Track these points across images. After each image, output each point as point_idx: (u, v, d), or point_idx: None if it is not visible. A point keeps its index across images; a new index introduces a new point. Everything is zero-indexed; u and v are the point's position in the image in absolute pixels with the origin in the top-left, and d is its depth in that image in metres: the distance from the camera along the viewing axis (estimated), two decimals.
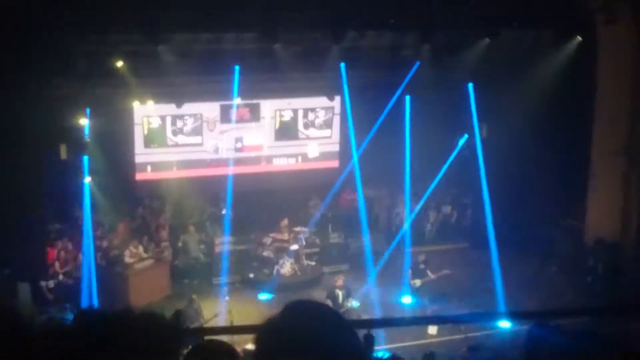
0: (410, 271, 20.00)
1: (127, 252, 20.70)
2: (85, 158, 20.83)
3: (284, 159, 24.12)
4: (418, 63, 22.37)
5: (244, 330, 9.56)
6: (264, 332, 2.23)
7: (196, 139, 22.97)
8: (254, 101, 23.16)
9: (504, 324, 16.07)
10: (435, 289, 19.87)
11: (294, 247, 22.20)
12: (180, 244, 22.09)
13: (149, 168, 22.71)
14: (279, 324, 2.22)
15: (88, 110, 20.91)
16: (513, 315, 16.03)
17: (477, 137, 22.92)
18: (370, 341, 8.53)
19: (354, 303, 18.30)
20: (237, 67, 21.03)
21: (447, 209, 25.38)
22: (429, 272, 19.98)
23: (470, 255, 23.12)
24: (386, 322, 8.99)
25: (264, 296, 20.63)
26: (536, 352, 2.42)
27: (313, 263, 22.57)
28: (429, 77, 22.67)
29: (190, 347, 3.90)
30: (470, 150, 23.29)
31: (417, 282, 19.65)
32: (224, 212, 23.33)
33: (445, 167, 23.54)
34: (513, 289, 20.23)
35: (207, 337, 4.12)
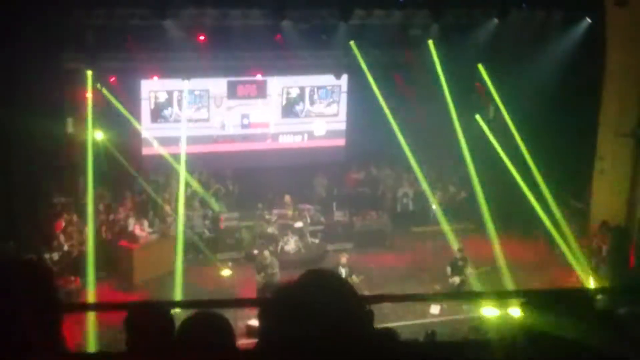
0: (448, 268, 18.95)
1: (136, 227, 20.76)
2: (92, 132, 20.88)
3: (290, 136, 24.12)
4: (429, 42, 22.31)
5: (247, 304, 9.62)
6: (273, 299, 2.26)
7: (203, 115, 22.99)
8: (261, 78, 23.13)
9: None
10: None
11: (299, 224, 22.23)
12: (185, 219, 22.11)
13: (155, 143, 22.71)
14: (290, 291, 2.25)
15: (96, 84, 20.96)
16: (516, 294, 16.01)
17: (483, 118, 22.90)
18: (370, 317, 8.58)
19: (355, 279, 18.21)
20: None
21: (455, 189, 25.31)
22: (468, 269, 19.08)
23: (477, 236, 23.06)
24: (388, 299, 9.01)
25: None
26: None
27: (317, 241, 22.60)
28: (437, 56, 22.59)
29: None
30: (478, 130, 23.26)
31: (456, 280, 18.68)
32: (230, 188, 23.36)
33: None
34: (517, 270, 20.24)
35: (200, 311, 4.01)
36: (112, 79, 21.60)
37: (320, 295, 2.17)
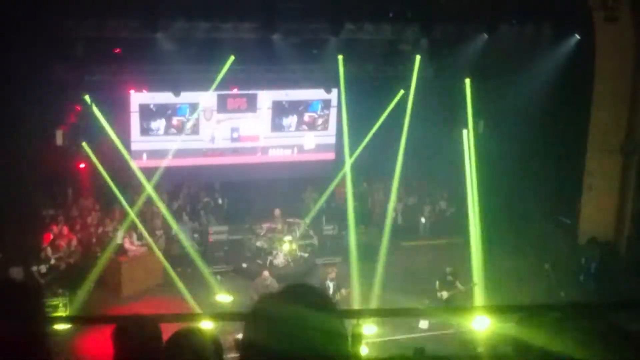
0: (437, 283, 18.67)
1: (125, 240, 20.68)
2: (81, 144, 20.86)
3: (280, 149, 24.12)
4: (416, 57, 22.38)
5: (232, 318, 9.56)
6: (251, 315, 2.27)
7: (192, 128, 22.96)
8: (251, 91, 23.13)
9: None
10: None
11: (288, 238, 22.19)
12: (173, 233, 22.06)
13: (144, 156, 22.67)
14: (270, 304, 2.26)
15: (85, 96, 20.91)
16: (505, 310, 16.00)
17: (472, 133, 22.90)
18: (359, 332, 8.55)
19: (344, 293, 18.16)
20: (232, 57, 21.08)
21: (444, 204, 25.36)
22: (457, 284, 18.77)
23: (465, 251, 23.06)
24: (376, 313, 8.99)
25: None
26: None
27: (306, 254, 22.55)
28: (426, 71, 22.65)
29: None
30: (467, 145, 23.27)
31: (445, 294, 18.46)
32: (219, 201, 23.34)
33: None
34: (506, 285, 20.24)
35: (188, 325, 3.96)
36: (102, 91, 21.52)
37: (300, 309, 2.18)
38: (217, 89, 22.50)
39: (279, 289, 2.32)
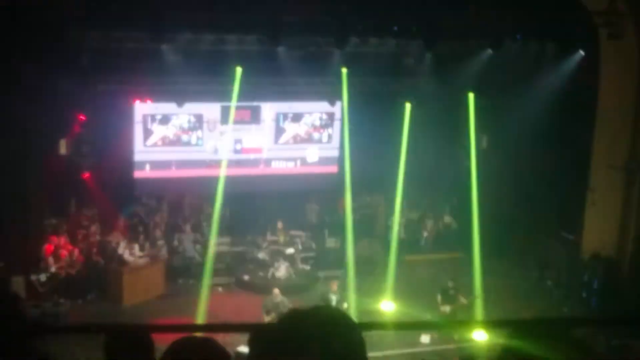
0: (439, 297, 18.84)
1: (126, 251, 20.68)
2: (85, 154, 20.90)
3: (283, 162, 24.09)
4: (420, 71, 22.41)
5: (234, 329, 9.55)
6: (259, 335, 2.25)
7: (196, 139, 22.97)
8: (255, 103, 23.14)
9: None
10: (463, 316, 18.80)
11: (290, 250, 22.18)
12: (175, 243, 22.06)
13: (147, 166, 22.68)
14: (276, 328, 2.24)
15: (89, 106, 20.95)
16: (507, 324, 15.94)
17: (475, 148, 22.90)
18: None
19: (345, 306, 18.12)
20: (239, 69, 21.07)
21: (448, 218, 25.32)
22: (460, 298, 18.89)
23: (466, 265, 23.03)
24: (378, 326, 8.95)
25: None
26: None
27: (308, 267, 22.54)
28: (430, 85, 22.65)
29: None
30: (470, 160, 23.27)
31: (447, 309, 18.57)
32: (221, 212, 23.34)
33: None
34: (508, 300, 20.19)
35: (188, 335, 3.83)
36: (106, 102, 21.55)
37: (317, 331, 2.15)
38: (220, 100, 22.52)
39: (285, 314, 2.26)
